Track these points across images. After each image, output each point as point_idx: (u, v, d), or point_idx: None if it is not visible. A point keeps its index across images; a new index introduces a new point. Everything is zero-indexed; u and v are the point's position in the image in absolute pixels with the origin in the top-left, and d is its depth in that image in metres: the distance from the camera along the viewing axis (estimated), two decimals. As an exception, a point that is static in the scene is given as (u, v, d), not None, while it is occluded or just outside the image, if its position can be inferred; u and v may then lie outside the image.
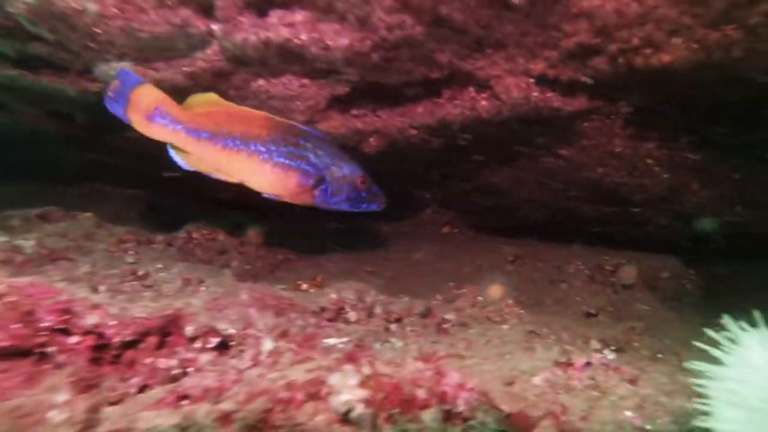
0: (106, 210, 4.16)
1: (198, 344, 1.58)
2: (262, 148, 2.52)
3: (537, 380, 1.56)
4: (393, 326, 2.34)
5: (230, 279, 2.45)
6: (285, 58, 2.30)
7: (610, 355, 2.28)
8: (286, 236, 4.10)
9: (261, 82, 2.55)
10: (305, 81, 2.55)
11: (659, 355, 2.32)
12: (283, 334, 1.58)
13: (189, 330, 1.58)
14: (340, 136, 2.87)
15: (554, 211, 3.69)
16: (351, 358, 1.15)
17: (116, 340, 1.34)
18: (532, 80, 2.45)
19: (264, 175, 2.56)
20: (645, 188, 3.23)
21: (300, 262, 3.78)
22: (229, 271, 2.45)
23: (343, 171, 2.69)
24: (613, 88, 2.52)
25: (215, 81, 2.54)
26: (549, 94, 2.53)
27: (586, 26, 2.02)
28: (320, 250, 3.98)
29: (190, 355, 1.53)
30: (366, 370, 1.08)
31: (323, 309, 2.36)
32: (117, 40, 2.21)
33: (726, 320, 1.04)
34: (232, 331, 1.64)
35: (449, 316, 2.37)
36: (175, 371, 1.46)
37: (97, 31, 2.16)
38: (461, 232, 3.92)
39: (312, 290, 2.85)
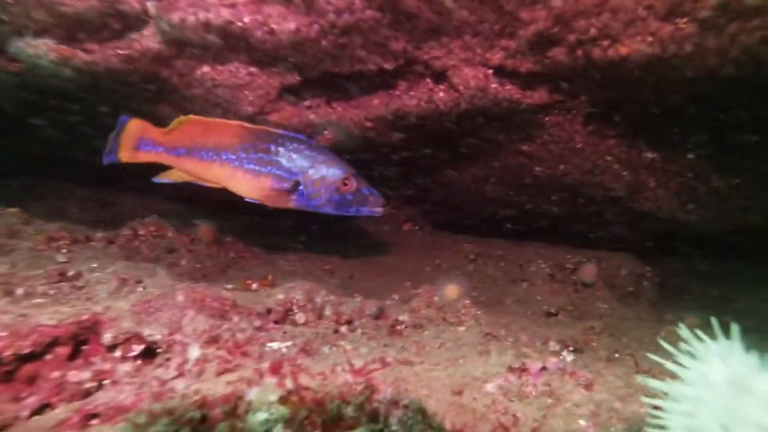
0: (47, 205, 3.90)
1: (118, 353, 1.42)
2: (233, 157, 2.65)
3: (489, 387, 1.47)
4: (343, 328, 2.22)
5: (169, 279, 2.27)
6: (229, 42, 2.14)
7: (569, 357, 2.22)
8: (243, 233, 3.92)
9: (206, 68, 2.38)
10: (253, 69, 2.40)
11: (616, 355, 2.27)
12: (214, 340, 1.44)
13: (107, 337, 1.42)
14: (292, 128, 2.72)
15: (516, 208, 3.63)
16: (275, 368, 1.02)
17: (8, 353, 1.17)
18: (490, 71, 2.36)
19: (237, 182, 2.70)
20: (605, 186, 3.21)
21: (254, 260, 3.61)
22: (164, 271, 2.27)
23: (321, 174, 2.65)
24: (572, 82, 2.46)
25: (156, 66, 2.36)
26: (508, 86, 2.45)
27: (544, 14, 1.94)
28: (277, 247, 3.83)
29: (107, 366, 1.37)
30: (288, 383, 0.95)
31: (270, 310, 2.21)
32: (34, 14, 2.00)
33: (682, 330, 0.95)
34: (158, 336, 1.49)
35: (403, 318, 2.26)
36: (88, 385, 1.31)
37: (8, 1, 1.95)
38: (422, 229, 3.83)
39: (262, 290, 2.70)
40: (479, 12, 2.00)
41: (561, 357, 2.22)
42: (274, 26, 1.97)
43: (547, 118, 2.78)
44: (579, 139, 2.93)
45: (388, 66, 2.36)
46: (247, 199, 2.74)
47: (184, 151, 2.65)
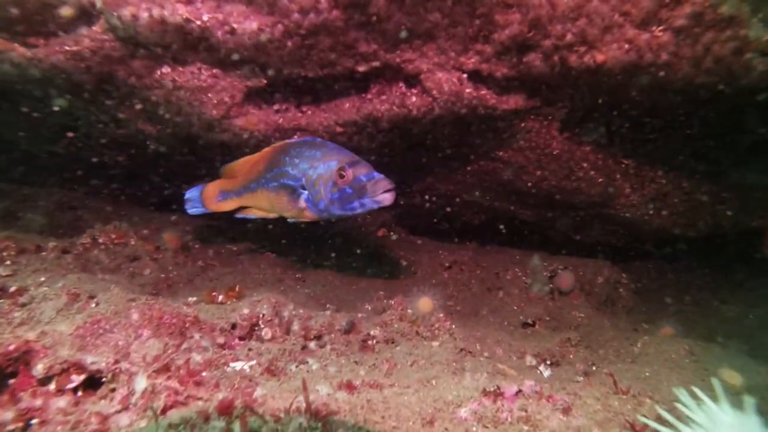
0: (1, 210, 3.68)
1: (52, 385, 1.29)
2: (263, 180, 2.62)
3: (463, 413, 1.38)
4: (312, 344, 2.11)
5: (128, 292, 2.13)
6: (189, 42, 2.01)
7: (546, 372, 2.16)
8: (213, 240, 3.77)
9: (165, 69, 2.24)
10: (216, 71, 2.27)
11: (593, 368, 2.22)
12: (165, 368, 1.31)
13: (39, 368, 1.28)
14: (260, 133, 2.60)
15: (493, 214, 3.58)
16: (223, 407, 0.91)
17: None
18: (465, 76, 2.28)
19: (272, 204, 2.64)
20: (581, 192, 3.17)
21: (223, 268, 3.46)
22: (124, 283, 2.12)
23: (318, 171, 2.34)
24: (549, 88, 2.41)
25: (110, 65, 2.21)
26: (483, 92, 2.38)
27: (519, 18, 1.87)
28: (248, 254, 3.69)
29: (37, 402, 1.23)
30: (236, 428, 0.85)
31: (234, 326, 2.10)
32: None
33: (682, 396, 0.86)
34: (102, 364, 1.36)
35: (375, 332, 2.17)
36: (11, 427, 1.17)
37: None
38: (396, 234, 3.74)
39: (228, 302, 2.57)
40: (453, 14, 1.92)
41: (538, 371, 2.17)
42: (235, 25, 1.85)
43: (523, 124, 2.73)
44: (555, 146, 2.89)
45: (358, 69, 2.27)
46: (289, 220, 2.65)
47: (243, 189, 2.76)
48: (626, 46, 1.88)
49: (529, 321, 2.70)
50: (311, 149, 2.42)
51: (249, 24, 1.85)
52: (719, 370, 1.87)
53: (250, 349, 1.98)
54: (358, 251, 3.49)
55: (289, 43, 2.01)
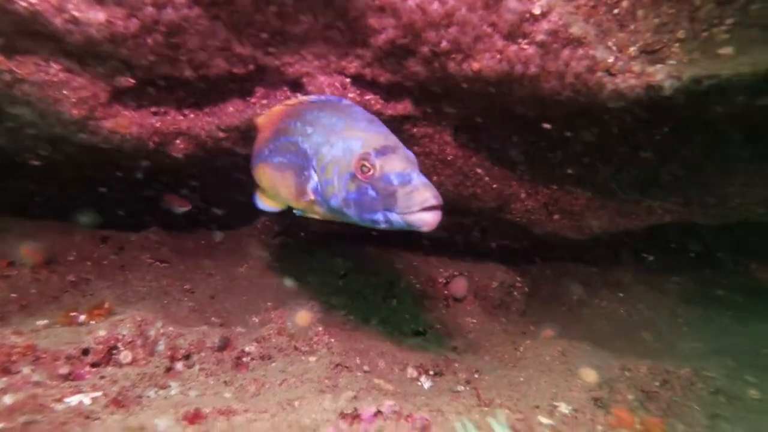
0: None
1: None
2: (267, 151, 1.89)
3: (316, 438, 1.30)
4: (179, 365, 1.95)
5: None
6: (20, 27, 1.75)
7: (427, 383, 2.13)
8: (94, 249, 3.44)
9: (-3, 57, 1.96)
10: (71, 65, 2.04)
11: (476, 375, 2.23)
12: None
13: None
14: (131, 136, 2.38)
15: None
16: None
17: None
18: (348, 80, 2.21)
19: (274, 186, 1.90)
20: (477, 197, 3.21)
21: (101, 282, 3.15)
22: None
23: (334, 153, 1.61)
24: (436, 94, 2.40)
25: None
26: (368, 96, 2.32)
27: (393, 22, 1.82)
28: (131, 265, 3.39)
29: None
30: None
31: (87, 351, 1.89)
32: None
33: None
34: None
35: (250, 348, 2.04)
36: None
37: None
38: (295, 241, 3.61)
39: (92, 322, 2.33)
40: (325, 16, 1.83)
41: (419, 383, 2.13)
42: (75, 14, 1.65)
43: (415, 129, 2.71)
44: (450, 151, 2.90)
45: (235, 71, 2.13)
46: (295, 212, 1.90)
47: (256, 156, 2.02)
48: (498, 56, 1.89)
49: (420, 329, 2.68)
50: (332, 115, 1.73)
51: (94, 14, 1.66)
52: (579, 369, 1.94)
53: (102, 377, 1.79)
54: (252, 258, 3.33)
55: (150, 41, 1.83)
